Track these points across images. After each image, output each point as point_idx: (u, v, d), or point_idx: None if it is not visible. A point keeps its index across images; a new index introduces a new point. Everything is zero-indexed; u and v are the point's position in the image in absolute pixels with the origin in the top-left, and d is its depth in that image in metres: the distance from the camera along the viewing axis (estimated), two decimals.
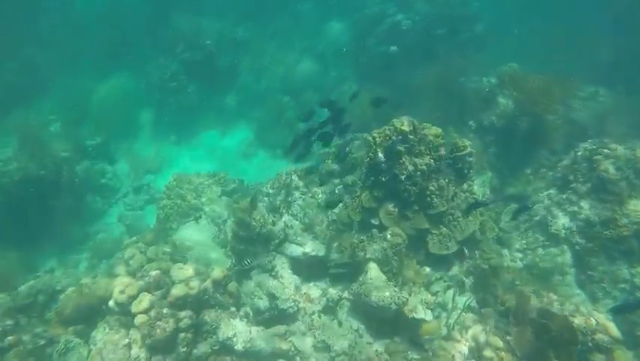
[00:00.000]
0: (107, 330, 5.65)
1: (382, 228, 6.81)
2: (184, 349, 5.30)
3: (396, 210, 6.82)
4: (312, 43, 15.35)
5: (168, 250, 7.16)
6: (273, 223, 6.90)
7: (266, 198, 7.73)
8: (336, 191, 9.07)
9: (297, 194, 7.46)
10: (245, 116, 14.09)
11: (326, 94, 14.39)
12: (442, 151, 6.70)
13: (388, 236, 6.51)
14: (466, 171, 6.93)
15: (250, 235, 6.70)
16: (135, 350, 4.97)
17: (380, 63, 13.24)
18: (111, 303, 5.50)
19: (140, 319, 5.01)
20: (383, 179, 6.75)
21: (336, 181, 9.24)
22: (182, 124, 13.51)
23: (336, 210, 7.71)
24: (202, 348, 5.51)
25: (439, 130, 6.81)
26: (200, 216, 8.28)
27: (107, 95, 13.93)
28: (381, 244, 6.47)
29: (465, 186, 7.02)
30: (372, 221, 7.02)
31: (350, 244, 6.88)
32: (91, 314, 6.02)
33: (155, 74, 13.33)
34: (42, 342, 5.76)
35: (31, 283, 6.44)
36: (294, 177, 7.68)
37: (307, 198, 7.43)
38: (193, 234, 8.05)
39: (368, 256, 6.49)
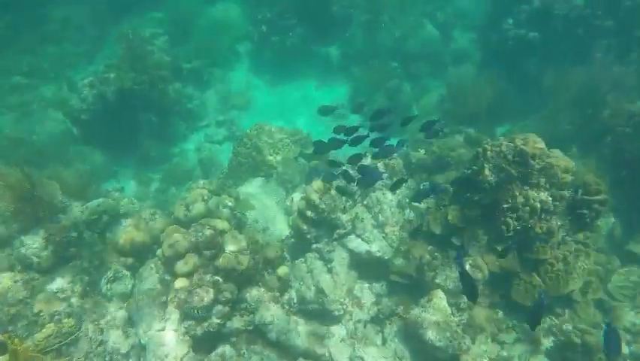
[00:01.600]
0: (153, 272, 5.57)
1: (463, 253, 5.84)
2: (217, 320, 5.02)
3: (485, 238, 5.79)
4: (436, 7, 13.56)
5: (230, 203, 6.85)
6: (344, 211, 6.23)
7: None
8: (421, 187, 8.13)
9: (379, 182, 6.62)
10: (345, 73, 13.10)
11: (440, 69, 12.86)
12: (566, 193, 5.39)
13: (467, 267, 5.56)
14: (588, 220, 5.58)
15: (316, 217, 6.11)
16: (169, 309, 4.76)
17: (513, 48, 11.29)
18: (159, 252, 5.32)
19: (179, 283, 4.75)
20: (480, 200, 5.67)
21: (424, 175, 8.30)
22: (280, 65, 12.92)
23: (412, 212, 6.86)
24: (235, 323, 5.21)
25: (571, 164, 5.44)
26: (272, 175, 7.84)
27: (213, 18, 13.66)
28: (457, 273, 5.54)
29: (581, 236, 5.70)
30: (454, 241, 6.08)
31: (420, 256, 6.07)
32: (143, 250, 5.98)
33: (264, 7, 12.65)
34: (97, 262, 5.83)
35: (100, 200, 6.51)
36: (380, 164, 6.81)
37: (387, 192, 6.58)
38: (259, 192, 7.68)
39: (438, 280, 5.64)
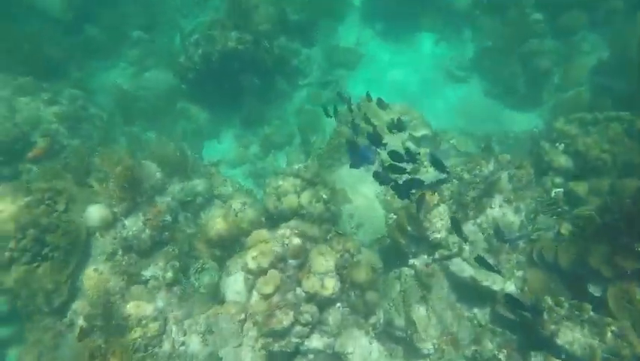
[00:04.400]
0: (238, 268, 5.41)
1: (602, 307, 4.61)
2: (296, 340, 4.71)
3: None
4: None
5: (325, 196, 6.27)
6: (450, 231, 5.25)
7: (455, 181, 5.87)
8: (553, 194, 6.62)
9: (498, 199, 5.41)
10: (472, 25, 11.02)
11: (603, 20, 9.95)
12: None
13: (609, 334, 4.33)
14: None
15: (417, 234, 5.26)
16: (247, 326, 4.54)
17: None
18: (242, 261, 5.06)
19: (259, 306, 4.43)
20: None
21: (557, 181, 6.71)
22: (395, 15, 11.32)
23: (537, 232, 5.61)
24: (314, 343, 4.86)
25: None
26: (373, 163, 6.99)
27: None
28: (591, 338, 4.38)
29: None
30: (592, 288, 4.80)
31: (538, 292, 4.99)
32: (231, 242, 5.84)
33: None
34: (187, 248, 5.87)
35: (195, 182, 6.45)
36: (503, 175, 5.51)
37: (509, 209, 5.35)
38: (357, 180, 6.94)
39: (559, 342, 4.53)
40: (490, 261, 5.26)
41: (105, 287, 4.84)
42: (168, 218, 5.86)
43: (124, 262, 5.36)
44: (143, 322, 4.53)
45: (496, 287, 5.24)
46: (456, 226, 4.56)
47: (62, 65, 10.62)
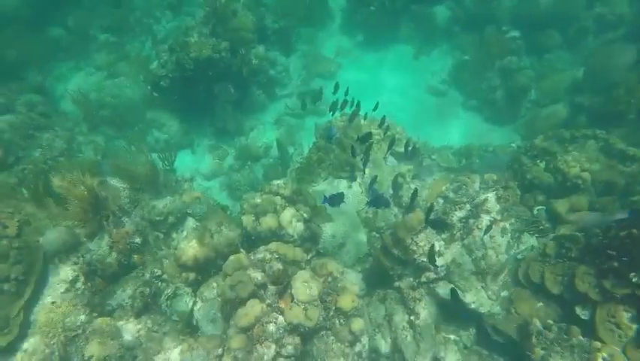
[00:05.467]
0: (214, 293, 5.04)
1: (590, 333, 4.52)
2: None
3: (634, 327, 4.34)
4: None
5: (305, 215, 5.99)
6: (438, 253, 5.06)
7: (440, 201, 5.71)
8: (535, 212, 6.61)
9: (485, 219, 5.27)
10: (450, 39, 11.07)
11: (576, 39, 10.21)
12: None
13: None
14: None
15: (404, 258, 5.05)
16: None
17: None
18: (219, 290, 4.70)
19: (236, 342, 4.07)
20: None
21: (540, 198, 6.71)
22: (375, 26, 11.23)
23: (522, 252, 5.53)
24: None
25: None
26: (355, 179, 6.77)
27: None
28: None
29: None
30: (579, 311, 4.71)
31: (526, 316, 4.88)
32: (206, 266, 5.45)
33: None
34: (158, 272, 5.44)
35: (167, 200, 6.01)
36: (490, 195, 5.38)
37: (496, 233, 5.22)
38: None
39: None
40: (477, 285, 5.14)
41: (63, 322, 4.36)
42: (137, 240, 5.41)
43: (86, 291, 4.89)
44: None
45: (482, 309, 5.11)
46: (431, 255, 4.48)
47: (20, 67, 9.92)
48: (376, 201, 4.85)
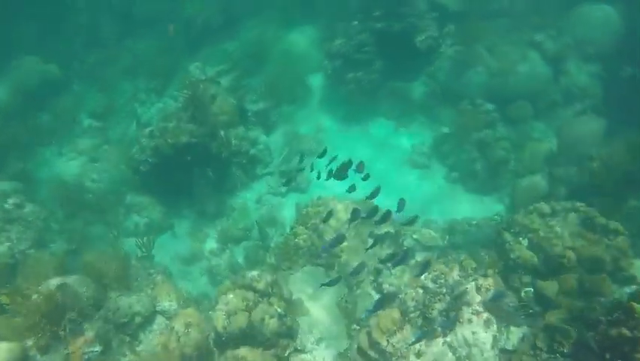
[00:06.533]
0: None
1: None
2: None
3: None
4: (549, 34, 11.21)
5: (280, 310, 5.66)
6: (418, 355, 4.71)
7: (420, 291, 5.42)
8: (522, 294, 6.33)
9: (467, 312, 4.97)
10: (429, 114, 11.35)
11: (547, 111, 10.57)
12: None
13: None
14: None
15: (382, 360, 4.68)
16: None
17: None
18: None
19: None
20: None
21: (525, 280, 6.46)
22: (354, 103, 11.55)
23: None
24: None
25: None
26: (333, 267, 6.53)
27: (287, 48, 12.73)
28: None
29: None
30: None
31: None
32: None
33: (342, 38, 11.33)
34: None
35: (133, 299, 5.70)
36: (470, 286, 5.12)
37: (479, 330, 4.90)
38: (316, 288, 6.39)
39: None
40: None
41: None
42: (97, 348, 5.03)
43: None
44: None
45: None
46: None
47: (1, 154, 9.98)
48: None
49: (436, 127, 11.03)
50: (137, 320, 5.65)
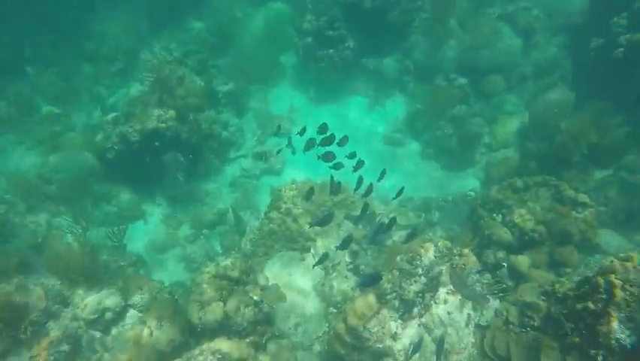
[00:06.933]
0: None
1: None
2: None
3: None
4: (519, 6, 11.12)
5: (256, 298, 5.58)
6: (394, 337, 4.72)
7: (396, 273, 5.40)
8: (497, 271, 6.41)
9: (442, 292, 5.01)
10: (404, 90, 11.24)
11: (519, 84, 10.59)
12: None
13: None
14: None
15: (359, 345, 4.68)
16: None
17: (624, 58, 8.84)
18: None
19: None
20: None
21: (500, 255, 6.55)
22: (327, 81, 11.31)
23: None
24: None
25: None
26: (309, 250, 6.46)
27: (257, 26, 12.26)
28: None
29: None
30: None
31: None
32: None
33: (312, 14, 10.95)
34: None
35: (103, 294, 5.50)
36: (445, 267, 5.13)
37: (454, 310, 4.94)
38: (293, 272, 6.34)
39: None
40: None
41: None
42: (64, 348, 4.85)
43: None
44: None
45: None
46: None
47: None
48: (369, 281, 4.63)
49: (411, 103, 10.93)
50: (108, 315, 5.47)
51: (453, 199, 9.00)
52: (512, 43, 10.60)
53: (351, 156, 5.72)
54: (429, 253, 5.29)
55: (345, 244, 4.69)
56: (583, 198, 6.77)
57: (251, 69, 11.14)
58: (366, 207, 5.20)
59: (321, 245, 6.47)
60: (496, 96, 10.53)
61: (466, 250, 5.33)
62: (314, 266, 5.28)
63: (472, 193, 9.06)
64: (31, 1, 11.98)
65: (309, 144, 5.68)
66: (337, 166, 5.62)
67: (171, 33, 12.28)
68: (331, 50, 10.88)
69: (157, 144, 8.52)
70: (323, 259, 5.04)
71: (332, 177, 5.42)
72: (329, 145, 5.62)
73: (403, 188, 5.46)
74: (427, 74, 10.84)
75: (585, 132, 7.66)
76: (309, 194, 5.51)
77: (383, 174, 5.48)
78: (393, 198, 5.65)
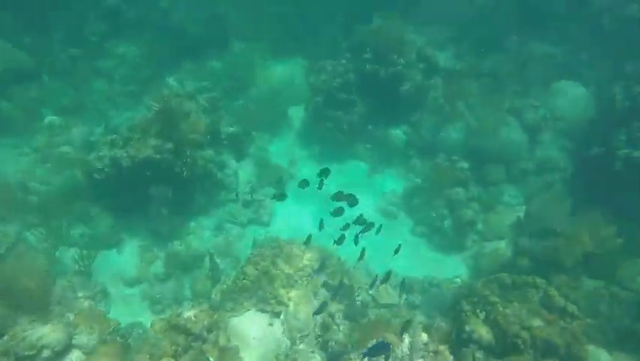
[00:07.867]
0: None
1: None
2: None
3: None
4: (527, 103, 11.43)
5: (212, 359, 5.13)
6: None
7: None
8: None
9: None
10: (406, 162, 11.26)
11: (519, 177, 10.64)
12: None
13: None
14: None
15: None
16: None
17: (620, 172, 8.95)
18: None
19: None
20: None
21: (479, 356, 6.15)
22: (332, 141, 11.35)
23: None
24: None
25: None
26: (279, 315, 6.06)
27: (273, 75, 12.56)
28: None
29: None
30: None
31: None
32: None
33: (328, 74, 11.21)
34: None
35: (45, 329, 5.06)
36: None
37: None
38: (258, 335, 5.90)
39: None
40: None
41: None
42: None
43: None
44: None
45: None
46: None
47: None
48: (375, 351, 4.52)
49: (411, 178, 10.90)
50: (46, 353, 4.99)
51: (438, 283, 8.68)
52: (518, 137, 10.76)
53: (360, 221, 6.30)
54: (403, 345, 4.93)
55: (320, 309, 5.09)
56: (572, 308, 6.47)
57: (259, 116, 11.24)
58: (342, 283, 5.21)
59: (293, 311, 6.08)
60: (496, 185, 10.53)
61: (442, 347, 4.97)
62: (314, 315, 5.67)
63: (459, 280, 8.76)
64: (61, 11, 12.35)
65: (304, 184, 6.61)
66: (340, 241, 6.15)
67: (189, 68, 12.53)
68: (339, 112, 11.02)
69: (148, 173, 8.34)
70: (323, 307, 5.43)
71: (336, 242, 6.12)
72: (340, 215, 6.37)
73: (364, 249, 6.19)
74: (431, 151, 10.91)
75: (581, 239, 7.51)
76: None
77: (398, 249, 6.38)
78: (358, 260, 6.26)
